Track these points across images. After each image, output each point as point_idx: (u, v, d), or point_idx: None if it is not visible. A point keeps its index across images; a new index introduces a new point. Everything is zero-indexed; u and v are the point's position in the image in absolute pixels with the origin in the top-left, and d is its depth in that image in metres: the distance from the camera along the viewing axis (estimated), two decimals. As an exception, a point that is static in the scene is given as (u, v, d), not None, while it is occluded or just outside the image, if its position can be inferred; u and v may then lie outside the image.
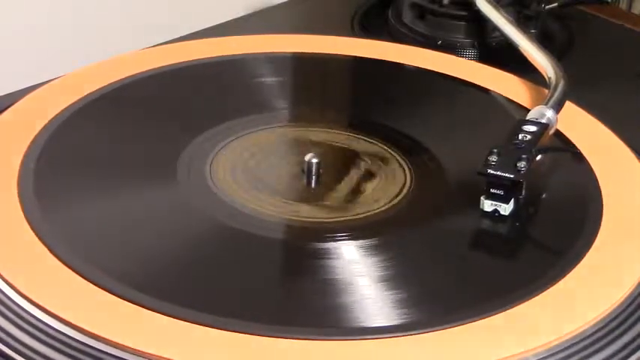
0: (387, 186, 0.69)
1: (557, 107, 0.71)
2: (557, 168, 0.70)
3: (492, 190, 0.64)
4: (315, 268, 0.61)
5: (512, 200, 0.65)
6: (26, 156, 0.67)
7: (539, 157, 0.67)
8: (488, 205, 0.65)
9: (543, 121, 0.69)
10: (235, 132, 0.73)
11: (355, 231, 0.64)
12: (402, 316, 0.57)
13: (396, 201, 0.67)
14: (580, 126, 0.74)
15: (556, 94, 0.72)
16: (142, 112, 0.75)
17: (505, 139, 0.67)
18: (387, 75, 0.81)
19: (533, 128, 0.68)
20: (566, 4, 0.93)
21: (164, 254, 0.62)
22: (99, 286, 0.57)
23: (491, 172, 0.64)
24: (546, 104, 0.71)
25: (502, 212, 0.65)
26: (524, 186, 0.65)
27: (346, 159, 0.72)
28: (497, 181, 0.64)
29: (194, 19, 0.93)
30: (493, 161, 0.64)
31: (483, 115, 0.77)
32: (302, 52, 0.82)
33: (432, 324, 0.56)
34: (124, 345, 0.54)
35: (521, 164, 0.64)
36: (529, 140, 0.67)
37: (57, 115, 0.72)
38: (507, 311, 0.57)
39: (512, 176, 0.64)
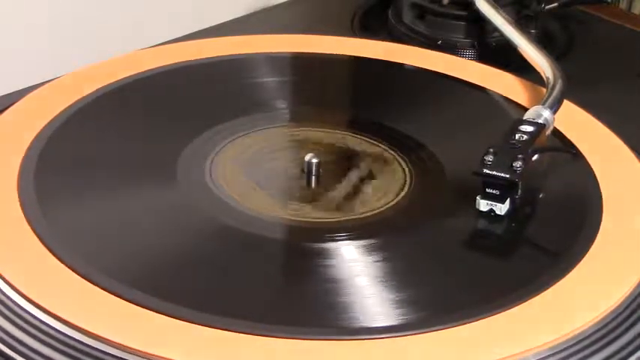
0: (387, 186, 0.69)
1: (555, 107, 0.71)
2: (557, 168, 0.70)
3: (488, 190, 0.65)
4: (315, 268, 0.61)
5: (508, 200, 0.65)
6: (26, 156, 0.67)
7: (535, 157, 0.67)
8: (483, 205, 0.65)
9: (540, 121, 0.69)
10: (235, 132, 0.73)
11: (355, 231, 0.64)
12: (402, 316, 0.57)
13: (396, 201, 0.67)
14: (580, 126, 0.74)
15: (553, 94, 0.72)
16: (141, 112, 0.75)
17: (502, 139, 0.67)
18: (387, 75, 0.81)
19: (529, 128, 0.68)
20: (566, 4, 0.93)
21: (164, 254, 0.62)
22: (99, 286, 0.57)
23: (487, 171, 0.64)
24: (543, 104, 0.71)
25: (498, 212, 0.65)
26: (520, 186, 0.65)
27: (346, 159, 0.72)
28: (493, 181, 0.64)
29: (194, 19, 0.93)
30: (489, 161, 0.64)
31: (483, 114, 0.77)
32: (302, 52, 0.82)
33: (432, 324, 0.56)
34: (124, 345, 0.54)
35: (517, 164, 0.64)
36: (525, 140, 0.67)
37: (57, 115, 0.72)
38: (507, 311, 0.57)
39: (507, 176, 0.64)
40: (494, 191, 0.64)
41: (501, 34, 0.84)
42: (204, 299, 0.57)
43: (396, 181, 0.69)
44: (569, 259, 0.61)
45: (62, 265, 0.59)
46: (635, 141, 0.73)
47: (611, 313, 0.58)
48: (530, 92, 0.78)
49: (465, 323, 0.56)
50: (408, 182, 0.69)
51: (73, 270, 0.58)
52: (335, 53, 0.83)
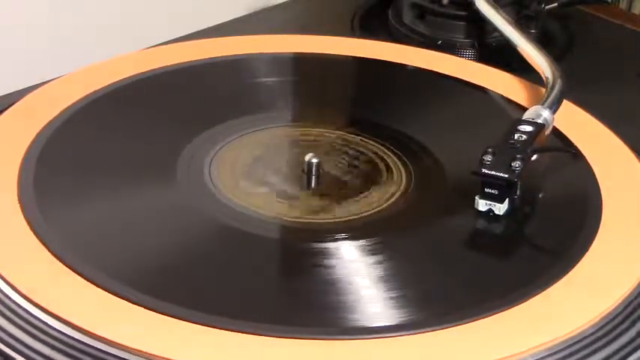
0: (387, 186, 0.69)
1: (554, 107, 0.71)
2: (557, 168, 0.70)
3: (487, 190, 0.65)
4: (315, 268, 0.61)
5: (507, 200, 0.65)
6: (26, 156, 0.67)
7: (535, 157, 0.67)
8: (482, 205, 0.65)
9: (539, 121, 0.69)
10: (235, 132, 0.73)
11: (355, 231, 0.64)
12: (402, 316, 0.57)
13: (395, 201, 0.67)
14: (580, 126, 0.74)
15: (553, 94, 0.72)
16: (142, 112, 0.75)
17: (501, 139, 0.67)
18: (387, 75, 0.81)
19: (528, 128, 0.68)
20: (566, 4, 0.93)
21: (164, 254, 0.62)
22: (99, 286, 0.57)
23: (485, 171, 0.64)
24: (542, 104, 0.71)
25: (496, 212, 0.65)
26: (518, 186, 0.65)
27: (346, 159, 0.72)
28: (492, 181, 0.64)
29: (194, 19, 0.93)
30: (488, 161, 0.65)
31: (483, 114, 0.77)
32: (302, 52, 0.83)
33: (432, 324, 0.56)
34: (124, 345, 0.54)
35: (516, 164, 0.64)
36: (524, 140, 0.67)
37: (57, 115, 0.72)
38: (507, 311, 0.57)
39: (506, 176, 0.64)
40: (493, 191, 0.64)
41: (501, 34, 0.84)
42: (204, 299, 0.57)
43: (395, 181, 0.69)
44: (569, 259, 0.61)
45: (62, 265, 0.59)
46: (635, 141, 0.73)
47: (610, 313, 0.58)
48: (530, 92, 0.78)
49: (464, 323, 0.56)
50: (408, 182, 0.69)
51: (73, 270, 0.58)
52: (335, 53, 0.83)
